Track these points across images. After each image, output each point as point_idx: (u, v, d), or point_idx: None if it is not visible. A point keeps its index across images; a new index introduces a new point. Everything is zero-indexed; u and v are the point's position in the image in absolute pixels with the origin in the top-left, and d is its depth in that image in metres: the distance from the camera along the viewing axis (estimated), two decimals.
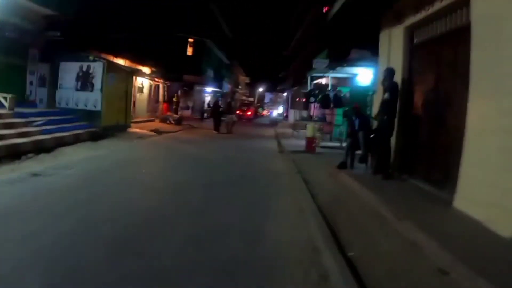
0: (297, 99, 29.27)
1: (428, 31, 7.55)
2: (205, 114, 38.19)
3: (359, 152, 8.82)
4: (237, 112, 42.58)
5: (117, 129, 16.13)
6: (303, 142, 14.08)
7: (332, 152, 13.21)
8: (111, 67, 16.39)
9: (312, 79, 18.43)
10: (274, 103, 75.67)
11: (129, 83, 18.34)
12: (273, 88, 75.80)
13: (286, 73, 50.67)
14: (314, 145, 13.04)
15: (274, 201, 6.72)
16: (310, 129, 13.36)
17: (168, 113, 22.85)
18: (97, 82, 15.71)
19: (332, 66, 15.09)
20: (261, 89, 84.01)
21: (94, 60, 15.88)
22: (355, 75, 16.06)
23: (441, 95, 6.87)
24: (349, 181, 7.60)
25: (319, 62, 16.29)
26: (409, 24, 8.09)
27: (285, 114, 42.78)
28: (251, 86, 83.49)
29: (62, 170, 8.34)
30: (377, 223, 5.32)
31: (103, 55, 17.23)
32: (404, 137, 7.87)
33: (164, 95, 24.92)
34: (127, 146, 13.27)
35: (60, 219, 5.12)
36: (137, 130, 17.63)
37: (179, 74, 33.94)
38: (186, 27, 34.31)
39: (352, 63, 14.20)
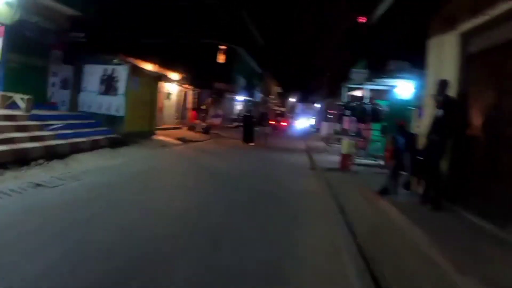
0: (329, 111, 28.08)
1: (489, 38, 6.36)
2: (236, 123, 37.52)
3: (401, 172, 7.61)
4: (271, 122, 41.41)
5: (141, 136, 15.41)
6: (336, 158, 12.93)
7: (368, 170, 12.01)
8: (135, 71, 15.76)
9: (348, 90, 17.26)
10: (305, 114, 74.39)
11: (155, 88, 17.67)
12: (305, 99, 74.58)
13: (319, 84, 49.44)
14: (349, 162, 11.85)
15: (303, 235, 5.58)
16: (345, 145, 12.17)
17: (196, 121, 22.07)
18: (121, 86, 15.10)
19: (370, 78, 13.90)
20: (293, 99, 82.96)
21: (118, 64, 15.28)
22: (393, 87, 14.83)
23: (504, 113, 5.68)
24: (393, 211, 6.39)
25: (358, 73, 15.11)
26: (464, 30, 6.92)
27: (317, 127, 41.44)
28: (283, 96, 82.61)
29: (69, 181, 7.54)
30: (433, 275, 4.14)
31: (129, 59, 16.62)
32: (457, 161, 6.65)
33: (193, 102, 24.19)
34: (147, 155, 12.44)
35: (44, 248, 4.22)
36: (162, 138, 16.88)
37: (209, 81, 33.36)
38: (217, 33, 33.77)
39: (392, 74, 12.97)
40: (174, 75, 23.64)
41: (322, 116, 37.89)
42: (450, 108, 6.29)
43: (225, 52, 35.88)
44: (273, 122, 43.21)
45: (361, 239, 5.11)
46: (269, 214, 6.61)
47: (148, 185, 8.21)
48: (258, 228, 5.72)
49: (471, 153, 6.41)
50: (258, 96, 46.42)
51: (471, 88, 6.76)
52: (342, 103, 15.47)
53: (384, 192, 7.46)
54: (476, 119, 6.40)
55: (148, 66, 19.50)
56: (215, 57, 35.64)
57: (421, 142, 7.46)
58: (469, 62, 6.96)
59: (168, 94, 24.02)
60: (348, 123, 23.09)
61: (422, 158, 6.93)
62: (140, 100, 16.12)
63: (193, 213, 6.22)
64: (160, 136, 17.05)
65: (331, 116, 27.44)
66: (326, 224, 6.22)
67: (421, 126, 8.15)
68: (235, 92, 37.26)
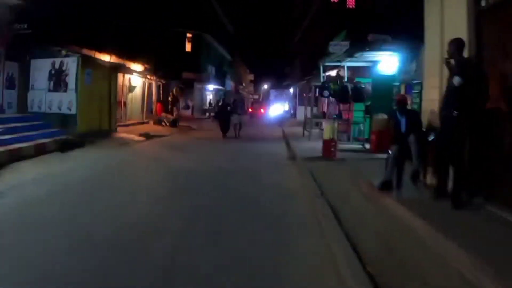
0: (305, 94, 26.67)
1: None
2: (207, 114, 35.85)
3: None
4: (250, 109, 42.81)
5: (98, 135, 13.71)
6: (317, 145, 11.63)
7: (355, 157, 10.71)
8: (88, 63, 13.97)
9: (324, 70, 15.84)
10: (279, 100, 73.14)
11: (113, 81, 15.92)
12: (279, 85, 73.22)
13: (291, 68, 48.12)
14: (333, 149, 10.48)
15: (289, 255, 4.08)
16: (328, 130, 10.76)
17: (163, 114, 20.38)
18: (71, 80, 13.32)
19: (351, 52, 12.52)
20: (265, 86, 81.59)
21: (67, 55, 13.47)
22: (376, 63, 13.54)
23: None
24: (403, 213, 4.94)
25: (338, 45, 13.71)
26: None
27: (292, 112, 40.07)
28: (256, 83, 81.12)
29: None
30: None
31: (81, 50, 14.80)
32: (477, 143, 5.34)
33: (158, 94, 22.38)
34: (101, 157, 10.76)
35: None
36: (124, 135, 15.22)
37: (177, 71, 31.58)
38: (184, 21, 31.92)
39: (375, 47, 11.60)
40: (137, 66, 21.82)
41: (297, 101, 36.61)
42: (469, 74, 4.89)
43: (192, 40, 34.11)
44: (250, 110, 43.32)
45: (369, 255, 3.71)
46: (242, 225, 5.13)
47: (88, 196, 6.54)
48: (228, 248, 4.26)
49: (494, 131, 5.11)
50: (230, 84, 44.76)
51: (486, 51, 5.43)
52: (320, 84, 14.09)
53: (385, 186, 6.02)
54: (497, 90, 5.08)
55: (105, 57, 17.71)
56: (183, 46, 33.86)
57: (429, 121, 6.13)
58: (481, 19, 5.62)
59: (132, 87, 22.20)
60: (326, 105, 21.76)
61: (433, 140, 5.59)
62: (96, 95, 14.41)
63: (137, 235, 4.62)
64: (121, 134, 15.39)
65: (307, 100, 26.24)
66: (318, 236, 4.72)
67: (427, 100, 6.77)
68: (205, 82, 35.52)
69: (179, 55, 32.32)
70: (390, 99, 11.52)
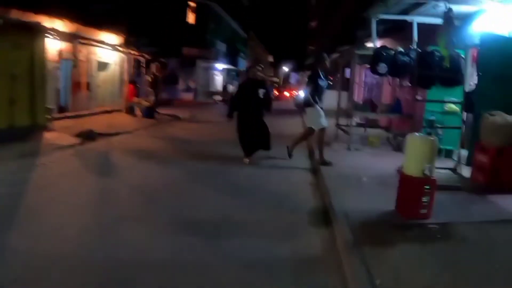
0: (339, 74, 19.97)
1: None
2: (217, 98, 30.17)
3: None
4: (275, 93, 39.75)
5: (11, 137, 8.28)
6: (369, 164, 6.31)
7: (456, 208, 4.90)
8: None
9: (375, 30, 9.57)
10: (300, 84, 67.15)
11: (39, 50, 10.20)
12: (299, 68, 66.98)
13: (316, 45, 41.76)
14: (426, 202, 4.48)
15: None
16: (417, 155, 4.54)
17: (134, 100, 14.66)
18: None
19: None
20: (286, 69, 75.60)
21: None
22: (475, 15, 7.63)
23: None
24: None
25: None
26: None
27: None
28: (275, 66, 74.92)
29: None
30: None
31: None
32: None
33: (138, 74, 16.61)
34: None
35: None
36: (55, 135, 9.64)
37: (176, 46, 25.95)
38: None
39: None
40: (109, 37, 16.24)
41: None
42: None
43: (197, 11, 28.25)
44: (277, 93, 41.77)
45: None
46: None
47: None
48: None
49: None
50: (244, 64, 38.81)
51: None
52: (374, 52, 8.11)
53: None
54: None
55: (59, 24, 12.24)
56: (184, 17, 28.10)
57: None
58: None
59: (103, 64, 16.66)
60: (362, 91, 15.55)
61: None
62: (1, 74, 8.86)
63: None
64: (53, 133, 9.80)
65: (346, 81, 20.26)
66: None
67: None
68: (212, 59, 29.69)
69: (180, 27, 26.65)
70: None
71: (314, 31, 44.48)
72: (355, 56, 8.90)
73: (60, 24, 12.73)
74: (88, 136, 9.57)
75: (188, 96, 26.94)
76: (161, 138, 10.50)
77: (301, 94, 38.12)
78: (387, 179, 5.72)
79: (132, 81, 15.27)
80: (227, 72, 36.15)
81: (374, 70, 7.94)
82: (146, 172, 6.79)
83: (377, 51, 7.83)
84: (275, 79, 73.78)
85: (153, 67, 15.26)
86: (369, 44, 10.51)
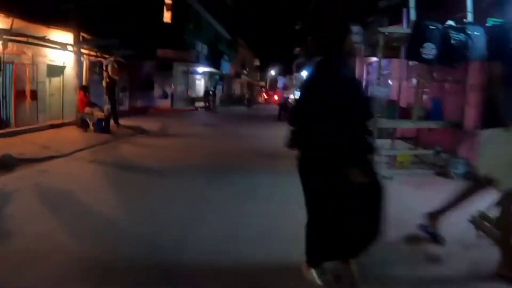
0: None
1: None
2: (197, 105, 27.39)
3: None
4: (264, 96, 39.76)
5: None
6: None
7: None
8: None
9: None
10: (288, 88, 64.83)
11: None
12: (287, 71, 64.54)
13: (304, 47, 39.18)
14: None
15: None
16: None
17: (86, 110, 11.67)
18: None
19: None
20: (272, 73, 73.27)
21: None
22: None
23: None
24: None
25: None
26: None
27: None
28: (261, 69, 72.37)
29: None
30: None
31: None
32: None
33: (82, 78, 13.47)
34: None
35: None
36: None
37: (149, 47, 23.13)
38: None
39: None
40: (60, 35, 13.43)
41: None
42: None
43: (174, 9, 25.49)
44: (266, 96, 43.10)
45: None
46: None
47: None
48: None
49: None
50: (228, 68, 36.08)
51: None
52: (416, 25, 5.35)
53: None
54: None
55: None
56: (159, 15, 25.32)
57: None
58: None
59: (56, 68, 13.82)
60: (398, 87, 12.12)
61: None
62: None
63: None
64: None
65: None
66: None
67: None
68: (192, 62, 26.88)
69: (154, 27, 23.83)
70: None
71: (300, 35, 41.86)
72: (377, 39, 6.05)
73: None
74: (3, 164, 6.76)
75: (165, 103, 24.12)
76: (104, 166, 7.50)
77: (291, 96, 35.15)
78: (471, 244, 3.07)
79: (83, 88, 12.37)
80: (209, 75, 33.30)
81: (414, 55, 5.28)
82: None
83: (422, 25, 5.15)
84: (262, 83, 71.49)
85: (109, 68, 12.33)
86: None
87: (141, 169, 7.28)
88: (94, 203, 4.99)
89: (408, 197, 5.22)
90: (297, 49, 49.31)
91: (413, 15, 5.55)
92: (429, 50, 4.99)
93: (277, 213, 4.63)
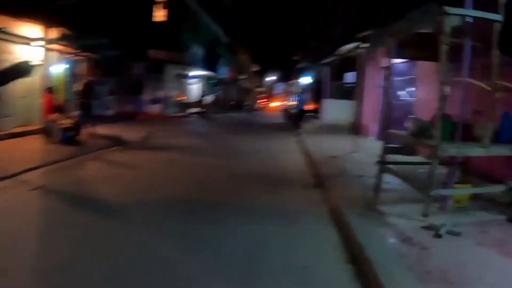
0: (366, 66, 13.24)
1: None
2: (190, 111, 25.32)
3: None
4: (263, 102, 39.41)
5: None
6: None
7: None
8: None
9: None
10: (286, 94, 63.43)
11: None
12: (285, 77, 63.13)
13: (305, 52, 37.31)
14: None
15: None
16: None
17: (51, 116, 9.64)
18: None
19: None
20: (271, 79, 71.95)
21: None
22: None
23: None
24: None
25: None
26: None
27: (309, 108, 25.02)
28: (260, 75, 70.74)
29: None
30: None
31: None
32: None
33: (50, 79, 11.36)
34: None
35: None
36: None
37: (140, 48, 21.28)
38: None
39: None
40: (32, 29, 11.53)
41: (323, 91, 22.38)
42: None
43: (169, 7, 23.67)
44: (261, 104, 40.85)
45: None
46: None
47: None
48: None
49: None
50: (224, 71, 34.13)
51: None
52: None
53: None
54: None
55: None
56: (150, 12, 23.45)
57: None
58: None
59: (26, 68, 11.83)
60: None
61: None
62: None
63: None
64: None
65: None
66: None
67: None
68: (187, 65, 24.93)
69: (146, 26, 21.93)
70: None
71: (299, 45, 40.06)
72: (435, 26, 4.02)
73: None
74: None
75: (155, 109, 22.18)
76: (47, 197, 5.47)
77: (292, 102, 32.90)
78: None
79: (50, 89, 10.41)
80: (204, 79, 31.34)
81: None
82: None
83: None
84: (261, 89, 69.92)
85: (83, 68, 10.40)
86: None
87: (92, 204, 5.25)
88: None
89: (500, 274, 3.22)
90: (298, 55, 47.55)
91: None
92: None
93: None
